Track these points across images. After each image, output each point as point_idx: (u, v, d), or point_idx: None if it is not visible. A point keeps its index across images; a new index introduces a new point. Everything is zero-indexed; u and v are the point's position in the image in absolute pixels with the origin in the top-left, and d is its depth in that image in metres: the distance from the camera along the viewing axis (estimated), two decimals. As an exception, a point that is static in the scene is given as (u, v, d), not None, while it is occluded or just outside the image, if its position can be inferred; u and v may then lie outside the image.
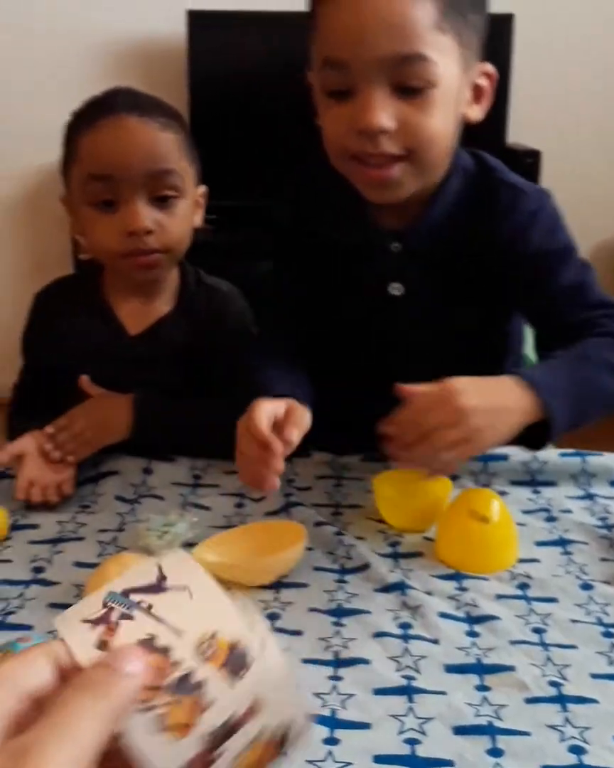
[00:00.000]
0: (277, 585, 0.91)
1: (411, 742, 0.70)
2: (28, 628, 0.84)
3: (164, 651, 0.43)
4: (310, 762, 0.68)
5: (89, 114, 1.16)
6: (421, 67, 0.90)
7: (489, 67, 1.01)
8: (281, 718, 0.44)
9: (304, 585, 0.92)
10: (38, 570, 0.95)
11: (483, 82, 1.00)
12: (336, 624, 0.85)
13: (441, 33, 0.90)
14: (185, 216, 1.18)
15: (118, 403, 1.17)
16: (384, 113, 0.91)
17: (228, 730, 0.42)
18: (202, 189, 1.23)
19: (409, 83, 0.91)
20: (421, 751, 0.69)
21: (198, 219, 1.22)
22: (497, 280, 1.08)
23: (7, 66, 2.71)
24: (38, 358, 1.31)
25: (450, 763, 0.68)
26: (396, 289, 1.10)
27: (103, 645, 0.43)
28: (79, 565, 0.95)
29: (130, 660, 0.42)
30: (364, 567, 0.95)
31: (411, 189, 0.99)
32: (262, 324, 1.25)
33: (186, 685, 0.42)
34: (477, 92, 1.00)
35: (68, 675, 0.42)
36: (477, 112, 1.01)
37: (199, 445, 1.18)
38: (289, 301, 1.21)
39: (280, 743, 0.44)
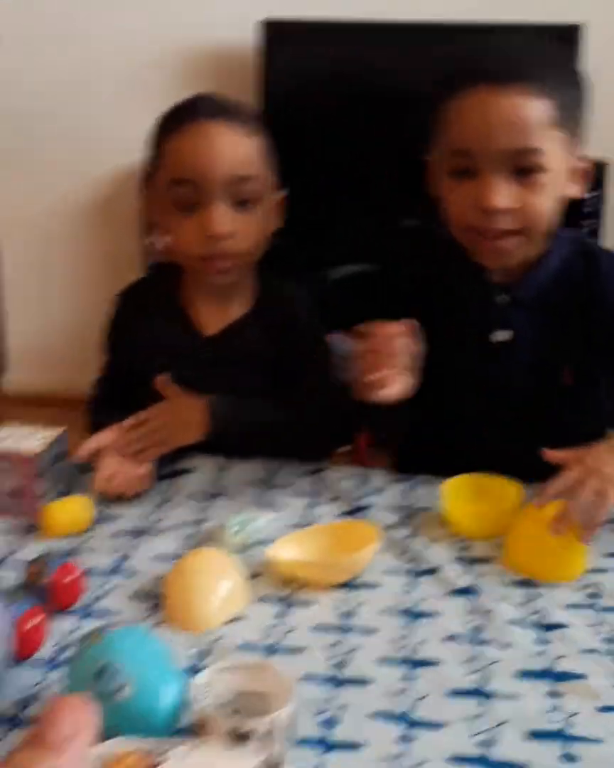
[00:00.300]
0: (350, 584, 0.94)
1: (484, 744, 0.72)
2: (111, 615, 0.88)
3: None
4: (383, 759, 0.70)
5: (173, 119, 1.19)
6: (536, 156, 1.05)
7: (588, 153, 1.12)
8: None
9: (375, 585, 0.94)
10: (121, 560, 0.98)
11: (583, 164, 1.12)
12: (408, 626, 0.87)
13: (554, 129, 1.05)
14: (263, 220, 1.20)
15: (194, 405, 1.19)
16: (504, 196, 1.05)
17: None
18: (281, 193, 1.25)
19: (525, 168, 1.05)
20: (494, 754, 0.71)
21: (276, 223, 1.25)
22: (599, 332, 1.17)
23: (81, 74, 2.76)
24: (117, 358, 1.34)
25: (523, 766, 0.70)
26: (501, 336, 1.18)
27: None
28: (159, 557, 0.98)
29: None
30: (435, 570, 0.96)
31: (521, 257, 1.14)
32: None
33: None
34: (578, 173, 1.12)
35: None
36: (577, 191, 1.13)
37: (272, 447, 1.21)
38: None
39: None
